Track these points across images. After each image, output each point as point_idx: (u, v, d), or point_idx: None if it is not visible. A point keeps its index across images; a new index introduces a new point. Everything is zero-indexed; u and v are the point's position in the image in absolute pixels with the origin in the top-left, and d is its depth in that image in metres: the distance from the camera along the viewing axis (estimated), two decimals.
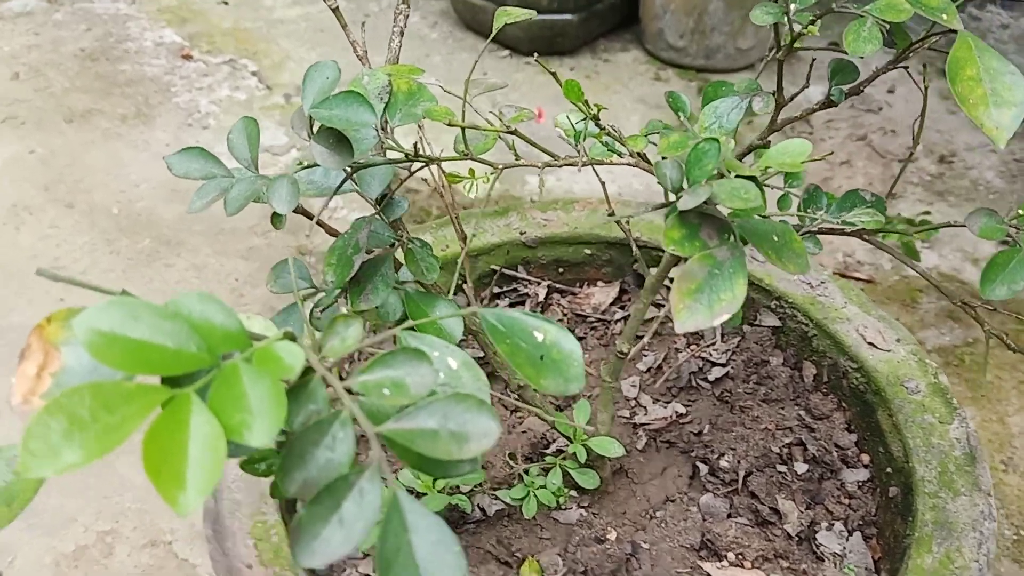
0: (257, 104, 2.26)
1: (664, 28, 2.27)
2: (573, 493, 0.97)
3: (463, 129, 0.67)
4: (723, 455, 0.99)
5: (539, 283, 1.15)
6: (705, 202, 0.51)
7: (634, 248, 0.95)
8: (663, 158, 0.57)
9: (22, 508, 0.51)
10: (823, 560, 0.91)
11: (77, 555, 1.41)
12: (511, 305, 1.16)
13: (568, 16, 2.27)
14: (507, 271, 1.16)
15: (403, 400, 0.40)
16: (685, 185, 0.53)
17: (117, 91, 2.29)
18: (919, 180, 2.02)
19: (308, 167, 0.63)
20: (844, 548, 0.91)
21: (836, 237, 1.88)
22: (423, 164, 0.66)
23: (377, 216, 0.68)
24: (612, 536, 0.93)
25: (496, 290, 1.16)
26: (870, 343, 0.99)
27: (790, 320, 1.07)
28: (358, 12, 2.60)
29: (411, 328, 0.48)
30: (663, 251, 1.10)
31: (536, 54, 0.78)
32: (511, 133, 0.67)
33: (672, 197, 0.56)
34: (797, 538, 0.92)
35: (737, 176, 0.51)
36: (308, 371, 0.41)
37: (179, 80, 2.32)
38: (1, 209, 1.97)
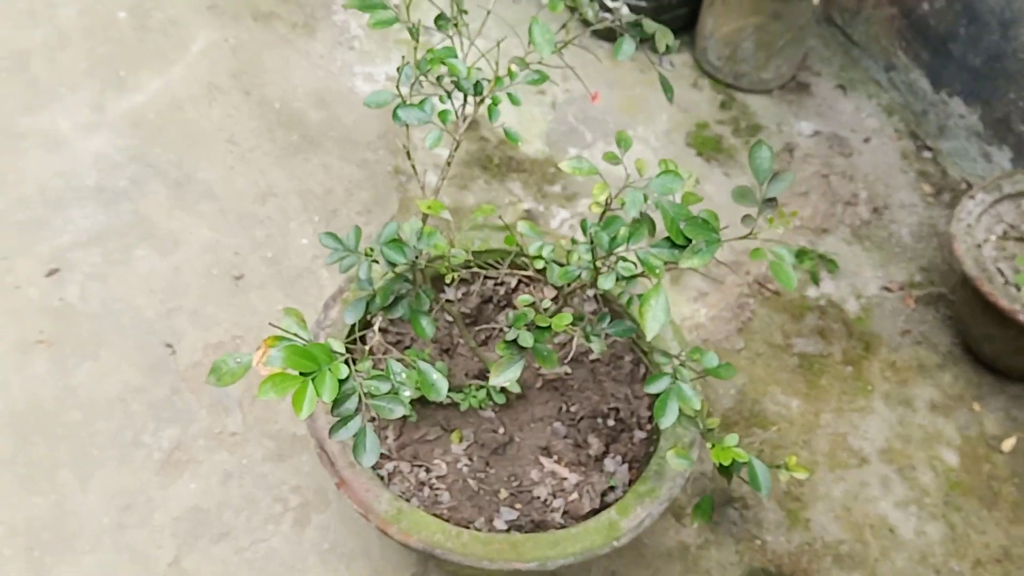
0: (392, 36, 2.99)
1: (708, 48, 2.92)
2: (492, 403, 1.80)
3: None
4: (576, 403, 1.80)
5: (510, 273, 1.94)
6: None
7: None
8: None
9: (228, 384, 1.33)
10: (603, 473, 1.73)
11: (217, 346, 2.30)
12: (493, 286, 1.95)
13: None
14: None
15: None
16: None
17: None
18: (850, 222, 2.70)
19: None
20: (615, 470, 1.73)
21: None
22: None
23: (403, 278, 1.48)
24: (502, 430, 1.77)
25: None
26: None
27: (639, 340, 1.85)
28: None
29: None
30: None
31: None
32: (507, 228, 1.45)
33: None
34: (594, 459, 1.74)
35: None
36: (352, 373, 1.23)
37: None
38: (201, 84, 2.79)
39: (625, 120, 2.86)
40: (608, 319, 1.49)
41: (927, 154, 2.86)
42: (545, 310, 1.46)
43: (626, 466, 1.74)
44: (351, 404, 1.22)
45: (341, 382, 1.21)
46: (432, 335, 1.50)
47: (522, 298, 1.44)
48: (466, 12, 1.63)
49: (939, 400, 2.40)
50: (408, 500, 1.65)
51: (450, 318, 1.88)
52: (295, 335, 1.22)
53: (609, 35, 2.99)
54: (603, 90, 2.93)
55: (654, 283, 1.30)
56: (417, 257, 1.39)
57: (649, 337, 1.25)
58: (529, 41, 1.46)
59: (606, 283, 1.32)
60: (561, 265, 1.45)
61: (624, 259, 1.33)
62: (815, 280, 2.56)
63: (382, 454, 1.71)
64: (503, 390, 1.76)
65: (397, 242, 1.37)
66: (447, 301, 1.91)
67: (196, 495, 2.08)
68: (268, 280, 2.43)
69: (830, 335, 2.49)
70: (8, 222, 2.45)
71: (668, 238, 1.32)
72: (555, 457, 1.74)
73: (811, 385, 2.40)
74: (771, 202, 1.33)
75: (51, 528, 2.01)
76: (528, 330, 1.39)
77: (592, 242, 1.35)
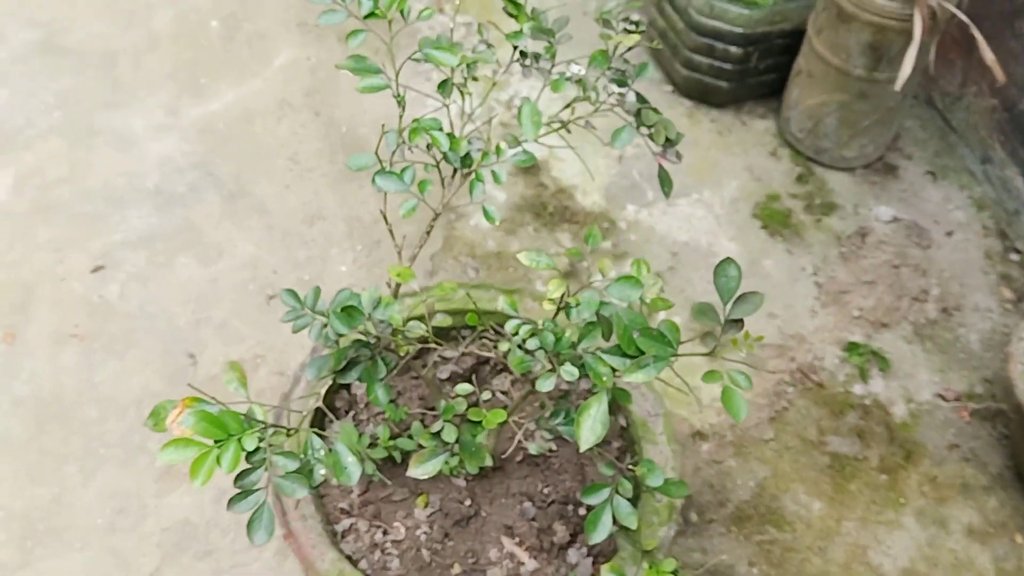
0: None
1: (791, 118, 2.79)
2: (465, 471, 1.75)
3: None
4: (550, 484, 1.73)
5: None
6: None
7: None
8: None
9: (163, 430, 1.32)
10: (565, 563, 1.66)
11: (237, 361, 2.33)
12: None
13: (722, 83, 2.81)
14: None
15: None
16: None
17: (382, 23, 3.05)
18: (914, 320, 2.53)
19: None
20: (578, 562, 1.66)
21: (815, 343, 2.45)
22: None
23: (364, 344, 1.44)
24: (468, 502, 1.71)
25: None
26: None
27: (631, 428, 1.77)
28: None
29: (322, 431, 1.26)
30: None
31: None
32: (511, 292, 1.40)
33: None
34: (558, 547, 1.67)
35: None
36: (261, 446, 1.20)
37: (426, 29, 3.05)
38: (275, 99, 2.83)
39: (692, 182, 2.75)
40: (562, 415, 1.42)
41: (1014, 256, 2.65)
42: (505, 393, 1.40)
43: (591, 559, 1.67)
44: (256, 477, 1.19)
45: (250, 454, 1.19)
46: (387, 402, 1.46)
47: (460, 387, 1.39)
48: (476, 79, 1.60)
49: (978, 525, 2.21)
50: (356, 562, 1.62)
51: (442, 376, 1.84)
52: (213, 399, 1.20)
53: (692, 92, 2.90)
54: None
55: (597, 392, 1.23)
56: (375, 326, 1.36)
57: (583, 449, 1.18)
58: (518, 121, 1.41)
59: (545, 385, 1.26)
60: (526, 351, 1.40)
61: (572, 362, 1.27)
62: (863, 377, 2.41)
63: (342, 509, 1.69)
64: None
65: (350, 309, 1.33)
66: (441, 357, 1.88)
67: (188, 509, 2.11)
68: None
69: (869, 437, 2.33)
70: (69, 214, 2.55)
71: (619, 346, 1.25)
72: (517, 539, 1.68)
73: (839, 489, 2.25)
74: (736, 323, 1.24)
75: (47, 520, 2.06)
76: (462, 423, 1.34)
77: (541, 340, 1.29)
